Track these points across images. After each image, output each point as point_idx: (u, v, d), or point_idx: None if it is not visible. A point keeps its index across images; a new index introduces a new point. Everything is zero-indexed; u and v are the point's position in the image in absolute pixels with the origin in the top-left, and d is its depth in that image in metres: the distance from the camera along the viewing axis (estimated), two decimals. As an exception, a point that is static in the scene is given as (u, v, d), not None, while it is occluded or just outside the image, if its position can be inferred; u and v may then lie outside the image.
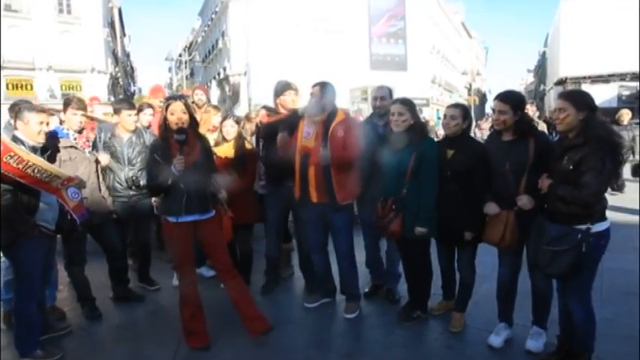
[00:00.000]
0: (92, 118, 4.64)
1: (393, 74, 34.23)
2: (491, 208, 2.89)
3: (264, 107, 4.34)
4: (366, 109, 12.90)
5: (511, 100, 2.86)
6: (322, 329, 3.47)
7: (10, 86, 27.10)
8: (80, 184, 3.02)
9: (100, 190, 3.65)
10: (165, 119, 3.01)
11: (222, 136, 4.03)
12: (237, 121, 4.18)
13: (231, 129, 4.01)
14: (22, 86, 27.75)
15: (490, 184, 2.91)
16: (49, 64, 28.61)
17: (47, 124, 2.96)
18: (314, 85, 3.50)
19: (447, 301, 3.51)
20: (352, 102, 21.81)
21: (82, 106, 3.61)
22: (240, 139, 4.03)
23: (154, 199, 4.05)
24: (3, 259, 3.29)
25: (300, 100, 3.96)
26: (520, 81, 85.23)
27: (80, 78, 30.09)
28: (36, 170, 2.68)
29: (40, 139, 2.92)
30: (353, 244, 3.63)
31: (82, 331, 3.41)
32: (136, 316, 3.68)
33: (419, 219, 3.09)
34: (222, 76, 38.30)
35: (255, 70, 29.45)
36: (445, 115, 3.13)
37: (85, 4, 30.16)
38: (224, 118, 4.19)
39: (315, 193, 3.42)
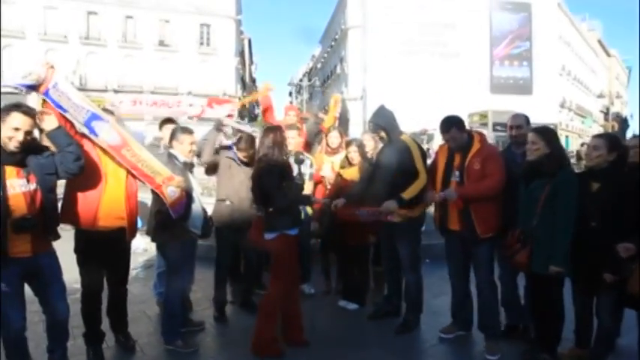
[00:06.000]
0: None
1: (515, 98, 32.14)
2: (624, 248, 2.61)
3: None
4: (486, 135, 12.27)
5: None
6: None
7: (158, 108, 31.38)
8: (178, 184, 3.09)
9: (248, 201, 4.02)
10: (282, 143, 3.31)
11: (348, 161, 4.17)
12: (360, 146, 4.32)
13: (354, 154, 4.12)
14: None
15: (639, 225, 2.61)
16: (189, 90, 32.57)
17: (194, 143, 3.44)
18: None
19: (581, 349, 3.17)
20: (470, 127, 20.97)
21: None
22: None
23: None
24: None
25: None
26: (673, 105, 73.56)
27: (213, 102, 33.67)
28: (145, 165, 2.98)
29: (191, 156, 3.43)
30: (494, 277, 3.39)
31: (214, 329, 3.77)
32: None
33: (553, 257, 2.86)
34: (338, 100, 39.60)
35: (371, 94, 30.04)
36: (588, 145, 2.92)
37: (222, 36, 33.95)
38: (348, 144, 4.28)
39: (455, 222, 3.34)
